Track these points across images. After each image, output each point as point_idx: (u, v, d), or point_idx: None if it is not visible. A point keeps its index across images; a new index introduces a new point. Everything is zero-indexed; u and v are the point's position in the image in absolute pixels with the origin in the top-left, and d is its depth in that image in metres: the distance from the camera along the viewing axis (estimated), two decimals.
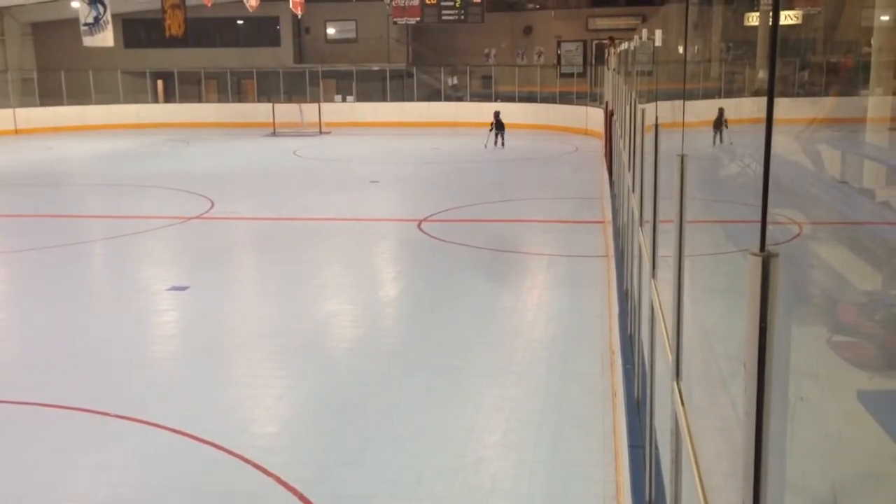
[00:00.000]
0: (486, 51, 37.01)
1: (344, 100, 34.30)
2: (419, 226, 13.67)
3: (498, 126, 25.10)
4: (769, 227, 1.44)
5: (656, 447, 3.57)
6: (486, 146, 24.78)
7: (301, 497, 5.23)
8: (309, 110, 31.03)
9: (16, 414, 6.67)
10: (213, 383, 7.29)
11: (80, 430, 6.36)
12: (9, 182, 20.35)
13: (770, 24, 1.47)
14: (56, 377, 7.42)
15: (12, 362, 8.11)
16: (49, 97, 33.60)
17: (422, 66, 35.70)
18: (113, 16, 29.56)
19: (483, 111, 32.11)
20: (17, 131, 31.63)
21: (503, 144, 24.86)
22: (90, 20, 29.10)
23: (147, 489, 5.44)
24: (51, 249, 12.69)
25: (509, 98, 32.47)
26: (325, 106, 31.70)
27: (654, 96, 4.92)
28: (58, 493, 5.45)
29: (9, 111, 31.90)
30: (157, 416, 6.41)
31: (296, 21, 35.81)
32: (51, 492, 5.46)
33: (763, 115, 1.45)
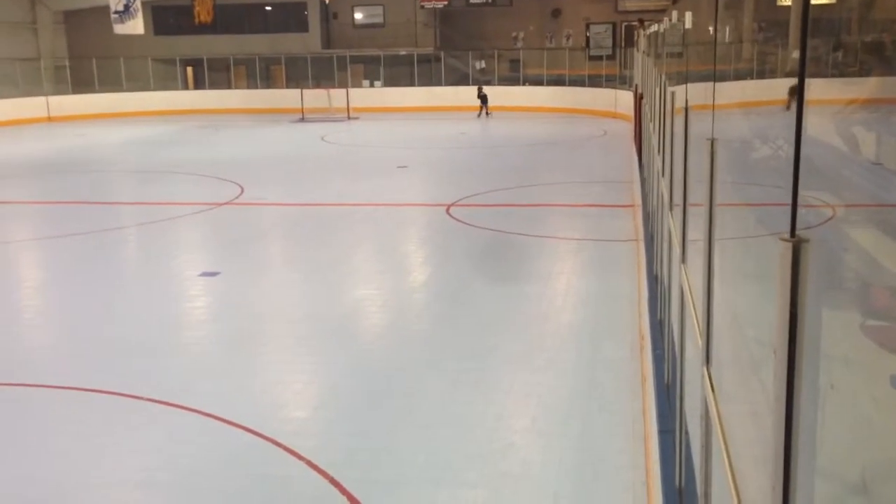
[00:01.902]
0: (514, 34, 36.77)
1: (372, 85, 34.32)
2: (447, 210, 13.67)
3: (483, 100, 29.71)
4: (802, 211, 1.42)
5: (686, 432, 3.55)
6: (479, 116, 29.58)
7: (332, 481, 5.28)
8: (337, 96, 31.09)
9: (49, 398, 6.79)
10: (244, 368, 7.37)
11: (112, 414, 6.46)
12: (42, 169, 20.64)
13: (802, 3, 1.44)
14: (88, 362, 7.54)
15: (46, 348, 8.25)
16: (81, 85, 33.99)
17: (449, 50, 35.58)
18: (143, 3, 29.79)
19: (511, 95, 32.00)
20: (49, 119, 32.05)
21: (487, 114, 29.69)
22: (120, 8, 29.37)
23: (179, 472, 5.52)
24: (83, 236, 12.87)
25: (537, 81, 32.28)
26: (353, 91, 31.74)
27: (685, 78, 4.86)
28: (91, 476, 5.54)
29: (42, 99, 32.32)
30: (188, 400, 6.50)
31: (324, 6, 35.84)
32: (84, 475, 5.56)
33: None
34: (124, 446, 5.90)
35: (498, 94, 32.23)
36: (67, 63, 35.09)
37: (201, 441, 5.95)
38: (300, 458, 5.57)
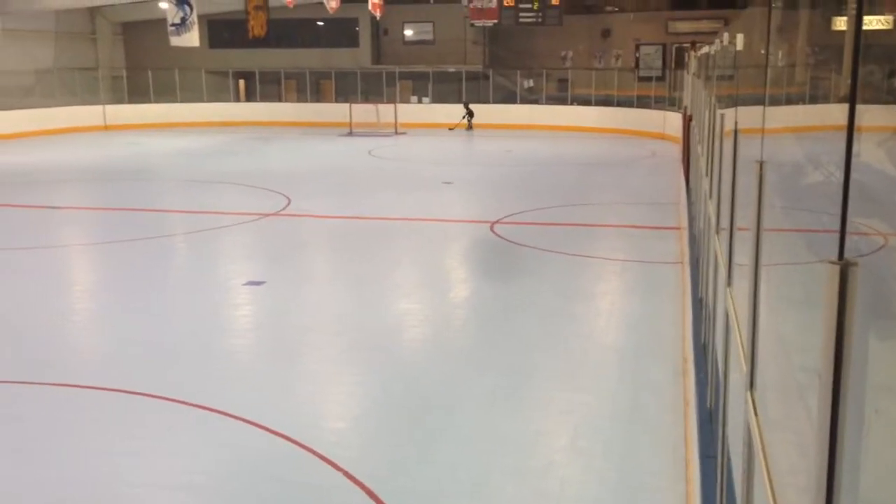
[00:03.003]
0: (563, 53, 36.76)
1: (420, 101, 34.53)
2: (491, 227, 13.69)
3: (470, 114, 31.51)
4: (853, 238, 1.42)
5: (728, 458, 3.51)
6: (468, 129, 31.39)
7: (369, 493, 5.30)
8: (385, 111, 31.35)
9: (95, 399, 6.92)
10: (286, 377, 7.45)
11: (155, 417, 6.57)
12: (97, 176, 21.13)
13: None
14: (133, 365, 7.68)
15: (92, 350, 8.43)
16: (137, 95, 34.75)
17: (498, 68, 35.67)
18: (199, 17, 30.40)
19: (558, 114, 31.97)
20: (106, 127, 32.81)
21: (470, 128, 31.46)
22: (177, 21, 30.00)
23: (218, 477, 5.59)
24: (134, 242, 13.13)
25: (585, 101, 32.20)
26: (401, 107, 31.97)
27: (735, 101, 4.83)
28: (132, 476, 5.64)
29: (99, 108, 33.11)
30: (230, 407, 6.58)
31: (374, 23, 36.20)
32: (125, 475, 5.66)
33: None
34: (165, 448, 6.00)
35: (545, 114, 32.21)
36: (124, 73, 35.92)
37: (241, 447, 6.02)
38: (338, 468, 5.61)
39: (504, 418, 6.48)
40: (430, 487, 5.44)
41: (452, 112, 33.31)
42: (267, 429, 6.21)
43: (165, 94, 34.73)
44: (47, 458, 5.92)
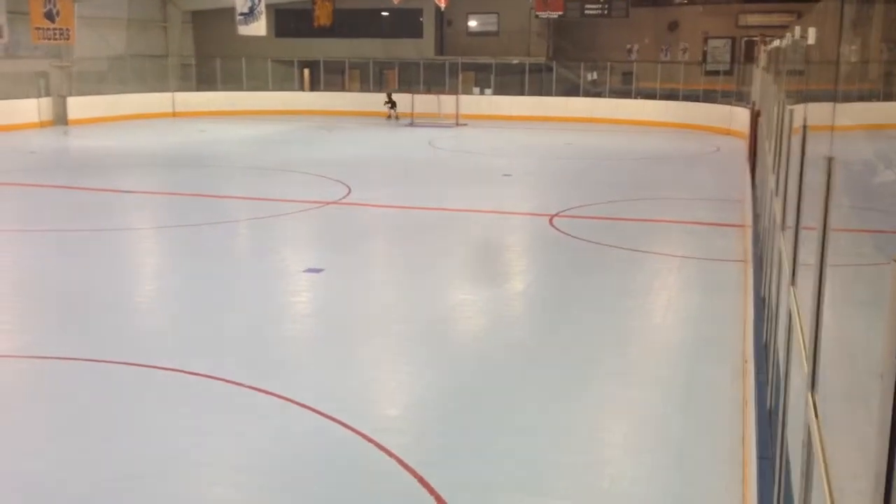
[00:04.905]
0: (629, 46, 36.26)
1: (482, 92, 34.45)
2: (550, 221, 13.61)
3: (392, 104, 31.94)
4: None
5: (787, 460, 3.45)
6: (388, 118, 31.73)
7: (420, 480, 5.34)
8: (447, 102, 31.38)
9: (156, 379, 7.10)
10: (341, 363, 7.54)
11: (215, 398, 6.72)
12: (165, 162, 21.64)
13: None
14: (194, 347, 7.86)
15: (155, 330, 8.64)
16: (204, 82, 35.43)
17: (562, 60, 35.38)
18: (266, 6, 30.83)
19: (622, 108, 31.61)
20: (174, 114, 33.53)
21: (396, 118, 31.71)
22: (245, 10, 30.47)
23: (277, 459, 5.69)
24: (197, 227, 13.42)
25: (650, 95, 31.74)
26: (463, 98, 31.95)
27: (805, 97, 4.72)
28: (192, 456, 5.78)
29: (168, 95, 33.86)
30: (286, 391, 6.69)
31: (439, 13, 36.22)
32: (186, 453, 5.80)
33: None
34: (224, 429, 6.13)
35: (609, 107, 31.87)
36: (193, 61, 36.65)
37: (297, 430, 6.13)
38: (390, 454, 5.66)
39: (557, 412, 6.46)
40: (480, 478, 5.46)
41: (516, 103, 33.21)
42: (322, 413, 6.30)
43: (232, 82, 35.34)
44: (110, 434, 6.10)
